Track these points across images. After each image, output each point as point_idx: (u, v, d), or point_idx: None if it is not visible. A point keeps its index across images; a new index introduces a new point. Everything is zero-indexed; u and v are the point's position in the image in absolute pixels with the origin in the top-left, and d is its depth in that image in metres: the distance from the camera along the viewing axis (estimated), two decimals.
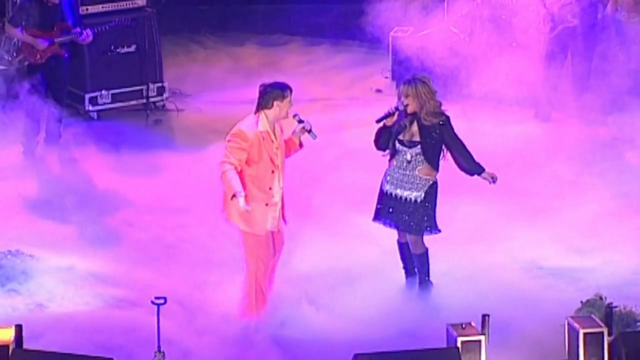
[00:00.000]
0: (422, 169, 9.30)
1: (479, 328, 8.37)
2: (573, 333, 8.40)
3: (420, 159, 9.29)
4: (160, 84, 13.55)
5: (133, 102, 13.47)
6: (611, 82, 12.26)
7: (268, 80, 9.45)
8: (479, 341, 8.25)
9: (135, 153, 12.09)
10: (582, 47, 12.71)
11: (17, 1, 13.12)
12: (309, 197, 10.99)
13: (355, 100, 13.46)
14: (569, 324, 8.47)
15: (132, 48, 13.46)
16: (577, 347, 8.33)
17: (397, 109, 9.24)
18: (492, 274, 9.93)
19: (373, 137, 9.41)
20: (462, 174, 9.53)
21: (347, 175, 11.11)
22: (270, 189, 9.08)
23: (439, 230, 9.48)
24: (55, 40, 12.06)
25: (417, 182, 9.34)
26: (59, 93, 12.30)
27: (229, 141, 8.90)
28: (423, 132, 9.23)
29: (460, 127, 10.88)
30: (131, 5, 13.52)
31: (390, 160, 9.40)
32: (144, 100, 13.35)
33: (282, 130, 9.11)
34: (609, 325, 8.47)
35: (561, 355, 8.40)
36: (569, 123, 12.17)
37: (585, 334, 8.30)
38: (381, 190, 9.47)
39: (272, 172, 9.06)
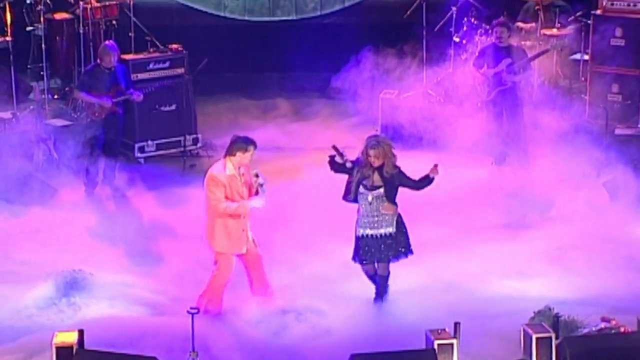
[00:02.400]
0: (386, 206, 9.30)
1: (452, 333, 8.41)
2: (527, 337, 8.53)
3: (381, 199, 9.29)
4: (195, 136, 13.56)
5: (173, 150, 13.44)
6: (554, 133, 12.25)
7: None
8: (452, 344, 8.33)
9: (174, 191, 12.09)
10: (520, 105, 12.61)
11: (82, 70, 13.16)
12: (291, 226, 10.97)
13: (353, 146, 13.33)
14: (524, 330, 8.61)
15: (173, 107, 13.46)
16: (531, 348, 8.46)
17: (352, 162, 9.31)
18: (461, 290, 9.91)
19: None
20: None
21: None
22: (244, 217, 9.22)
23: (412, 252, 9.48)
24: (112, 99, 12.09)
25: (386, 219, 9.34)
26: (114, 143, 12.32)
27: (207, 186, 9.15)
28: (384, 179, 9.30)
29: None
30: (172, 73, 13.55)
31: (358, 210, 9.38)
32: (182, 149, 13.31)
33: (247, 172, 9.27)
34: (556, 331, 8.58)
35: (518, 355, 8.46)
36: (522, 168, 12.13)
37: (537, 338, 8.44)
38: (356, 236, 9.43)
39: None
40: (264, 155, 10.75)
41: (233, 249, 9.33)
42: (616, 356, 8.32)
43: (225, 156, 9.28)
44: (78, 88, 12.41)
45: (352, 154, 9.48)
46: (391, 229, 9.38)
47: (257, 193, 9.30)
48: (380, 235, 9.37)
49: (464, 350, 8.45)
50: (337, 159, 9.36)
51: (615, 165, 11.86)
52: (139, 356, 8.10)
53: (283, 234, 10.72)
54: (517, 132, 12.46)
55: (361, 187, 9.32)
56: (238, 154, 9.19)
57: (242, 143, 9.23)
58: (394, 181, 9.32)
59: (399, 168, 9.36)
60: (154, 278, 10.19)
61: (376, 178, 9.30)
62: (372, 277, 9.58)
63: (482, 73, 12.55)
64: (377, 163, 9.26)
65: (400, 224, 9.42)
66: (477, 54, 12.83)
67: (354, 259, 9.51)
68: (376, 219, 9.36)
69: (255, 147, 9.25)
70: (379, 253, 9.43)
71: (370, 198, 9.32)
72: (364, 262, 9.47)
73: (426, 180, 9.42)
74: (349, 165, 9.32)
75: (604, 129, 12.61)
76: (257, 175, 9.27)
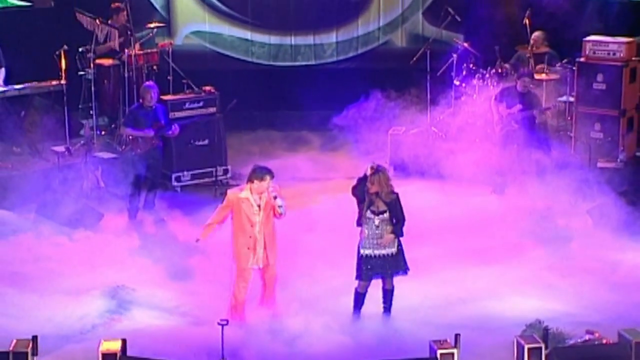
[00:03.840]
0: (388, 229, 9.29)
1: (453, 343, 8.40)
2: (520, 347, 8.50)
3: (386, 223, 9.28)
4: (225, 167, 13.56)
5: (205, 180, 13.41)
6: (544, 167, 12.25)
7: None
8: (453, 353, 8.32)
9: (206, 215, 11.75)
10: (522, 143, 12.65)
11: (126, 109, 13.26)
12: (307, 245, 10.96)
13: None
14: (517, 341, 8.58)
15: (206, 141, 13.48)
16: (523, 357, 8.41)
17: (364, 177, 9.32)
18: (461, 305, 9.92)
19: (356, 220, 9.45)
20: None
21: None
22: (250, 237, 9.22)
23: (409, 269, 9.46)
24: (153, 134, 12.15)
25: (389, 241, 9.34)
26: (154, 173, 12.35)
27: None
28: (386, 204, 9.30)
29: (438, 198, 10.94)
30: (205, 112, 13.59)
31: (361, 232, 9.36)
32: (213, 178, 13.29)
33: (268, 199, 9.26)
34: (545, 342, 8.54)
35: None
36: (517, 197, 12.09)
37: (529, 349, 8.41)
38: (359, 255, 9.39)
39: (252, 226, 9.25)
40: (285, 183, 10.72)
41: (241, 262, 9.37)
42: None
43: (246, 182, 9.37)
44: (124, 124, 12.49)
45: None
46: (393, 250, 9.38)
47: (279, 215, 9.34)
48: (383, 255, 9.36)
49: (464, 358, 8.43)
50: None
51: (598, 195, 11.88)
52: None
53: (300, 252, 10.72)
54: (515, 165, 12.50)
55: (369, 212, 9.32)
56: (256, 181, 9.25)
57: (259, 172, 9.30)
58: (395, 206, 9.32)
59: (396, 195, 9.35)
60: (188, 292, 10.21)
61: (380, 204, 9.31)
62: (363, 295, 9.50)
63: (499, 111, 12.72)
64: (372, 189, 9.26)
65: (399, 244, 9.42)
66: (499, 91, 12.95)
67: (357, 277, 9.46)
68: (380, 240, 9.35)
69: (272, 176, 9.29)
70: (381, 270, 9.41)
71: (377, 222, 9.31)
72: (368, 279, 9.43)
73: (402, 226, 9.40)
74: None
75: (588, 162, 12.59)
76: (275, 197, 9.30)
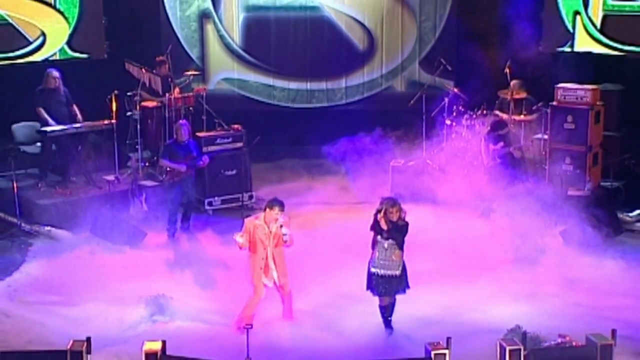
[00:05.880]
0: (396, 253, 9.22)
1: (445, 345, 8.35)
2: (502, 349, 8.39)
3: (393, 247, 9.22)
4: (250, 193, 13.58)
5: (233, 204, 13.42)
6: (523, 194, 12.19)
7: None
8: (445, 354, 8.24)
9: (233, 234, 12.08)
10: (504, 174, 12.72)
11: (163, 144, 13.33)
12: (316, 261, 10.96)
13: (371, 201, 13.26)
14: (500, 344, 8.47)
15: (234, 171, 13.50)
16: (505, 358, 8.32)
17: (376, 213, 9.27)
18: (451, 312, 9.92)
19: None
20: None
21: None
22: (263, 258, 9.23)
23: (409, 288, 9.42)
24: (186, 165, 12.19)
25: (395, 264, 9.29)
26: (190, 199, 12.39)
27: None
28: (394, 227, 9.23)
29: (432, 221, 10.91)
30: (233, 146, 13.62)
31: (372, 251, 9.31)
32: (240, 203, 13.30)
33: (281, 226, 9.27)
34: (524, 344, 8.45)
35: None
36: (500, 220, 12.06)
37: (510, 350, 8.30)
38: (369, 272, 9.35)
39: (264, 248, 9.26)
40: (295, 207, 10.66)
41: (254, 280, 9.38)
42: None
43: (263, 210, 9.46)
44: (161, 157, 12.54)
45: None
46: (397, 272, 9.34)
47: (285, 244, 9.35)
48: (389, 275, 9.32)
49: (455, 358, 8.34)
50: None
51: (568, 219, 11.84)
52: None
53: (312, 266, 10.72)
54: (496, 192, 12.49)
55: (379, 236, 9.30)
56: (267, 210, 9.31)
57: (270, 203, 9.38)
58: (402, 232, 9.28)
59: (406, 223, 9.28)
60: (218, 300, 10.21)
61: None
62: (384, 308, 9.44)
63: (485, 147, 12.90)
64: (394, 217, 9.21)
65: (403, 267, 9.36)
66: (486, 133, 13.08)
67: (367, 288, 9.44)
68: (387, 262, 9.30)
69: (281, 207, 9.30)
70: (384, 289, 9.36)
71: (386, 245, 9.27)
72: (374, 293, 9.41)
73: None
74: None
75: (560, 190, 12.57)
76: (281, 227, 9.31)
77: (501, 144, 12.82)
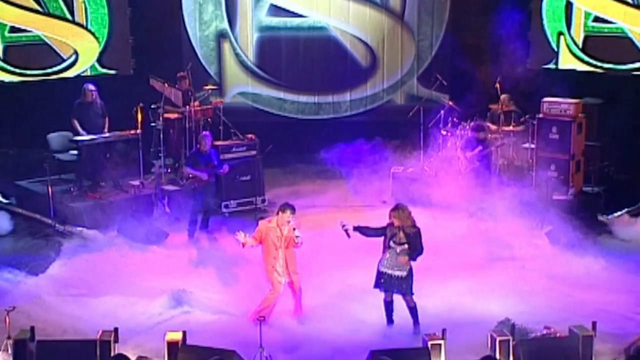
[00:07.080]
0: (403, 258, 9.16)
1: (441, 336, 8.37)
2: (493, 340, 8.48)
3: (405, 252, 9.15)
4: (263, 197, 13.55)
5: (247, 207, 13.39)
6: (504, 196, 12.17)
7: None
8: (440, 344, 8.30)
9: (247, 234, 12.06)
10: (490, 180, 12.70)
11: (187, 152, 13.33)
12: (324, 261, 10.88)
13: (373, 205, 13.27)
14: (490, 335, 8.53)
15: (248, 177, 13.48)
16: (495, 348, 8.38)
17: (383, 228, 9.18)
18: (447, 306, 9.88)
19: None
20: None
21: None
22: (274, 258, 9.19)
23: (413, 294, 9.34)
24: (207, 173, 12.17)
25: (402, 266, 9.23)
26: (208, 202, 12.35)
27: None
28: (407, 236, 9.17)
29: (428, 222, 10.87)
30: (248, 154, 13.59)
31: (383, 252, 9.25)
32: (254, 206, 13.30)
33: (294, 229, 9.23)
34: (512, 335, 8.51)
35: (486, 352, 8.41)
36: (491, 221, 12.06)
37: (500, 341, 8.41)
38: (378, 270, 9.29)
39: (276, 249, 9.23)
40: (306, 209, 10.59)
41: (270, 277, 9.36)
42: (555, 354, 8.30)
43: (276, 214, 9.45)
44: (185, 164, 12.54)
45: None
46: (404, 273, 9.24)
47: (296, 244, 9.32)
48: (395, 275, 9.26)
49: (449, 348, 8.42)
50: (349, 232, 9.18)
51: (553, 221, 11.84)
52: (224, 350, 8.12)
53: (323, 265, 10.70)
54: (487, 195, 12.47)
55: (392, 242, 9.22)
56: (279, 213, 9.31)
57: (281, 207, 9.37)
58: (415, 239, 9.17)
59: (418, 229, 9.19)
60: (234, 294, 10.21)
61: (402, 236, 9.17)
62: (388, 303, 9.36)
63: (464, 155, 12.87)
64: (396, 223, 9.16)
65: (410, 271, 9.27)
66: (463, 143, 13.02)
67: (375, 286, 9.38)
68: (396, 263, 9.23)
69: (292, 211, 9.27)
70: (389, 287, 9.31)
71: (398, 250, 9.19)
72: (380, 290, 9.37)
73: (417, 255, 9.23)
74: (351, 234, 9.17)
75: (545, 195, 12.55)
76: (294, 229, 9.31)
77: (479, 147, 12.77)
